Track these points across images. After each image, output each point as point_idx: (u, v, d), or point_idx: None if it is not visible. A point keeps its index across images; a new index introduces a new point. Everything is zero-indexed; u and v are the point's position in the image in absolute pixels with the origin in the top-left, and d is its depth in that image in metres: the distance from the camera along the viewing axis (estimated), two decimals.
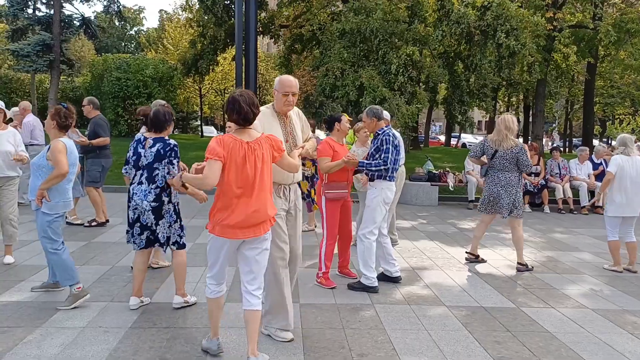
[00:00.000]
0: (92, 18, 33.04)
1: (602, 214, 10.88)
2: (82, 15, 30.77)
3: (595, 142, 32.81)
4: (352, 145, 6.62)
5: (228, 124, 4.46)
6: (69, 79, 33.85)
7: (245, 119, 3.47)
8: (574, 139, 39.91)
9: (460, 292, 5.46)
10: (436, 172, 12.01)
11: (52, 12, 28.05)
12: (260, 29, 18.95)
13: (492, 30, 13.32)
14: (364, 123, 5.70)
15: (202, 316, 4.48)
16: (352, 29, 13.23)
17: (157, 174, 4.52)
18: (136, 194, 4.55)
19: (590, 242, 8.29)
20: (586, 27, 16.97)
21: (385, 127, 5.43)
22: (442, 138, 41.60)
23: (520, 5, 14.01)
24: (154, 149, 4.52)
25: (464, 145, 38.16)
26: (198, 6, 20.21)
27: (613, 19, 16.64)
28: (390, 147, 5.23)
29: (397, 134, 7.34)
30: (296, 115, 4.30)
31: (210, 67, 21.77)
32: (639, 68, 18.86)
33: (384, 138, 5.28)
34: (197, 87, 34.10)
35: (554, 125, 48.82)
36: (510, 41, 12.95)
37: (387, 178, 5.34)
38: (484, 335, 4.31)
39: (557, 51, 16.78)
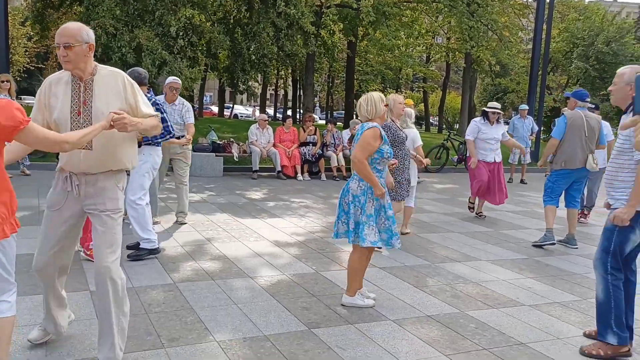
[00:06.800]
0: None
1: None
2: None
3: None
4: None
5: None
6: None
7: None
8: (334, 112, 43.18)
9: (262, 262, 5.42)
10: (220, 142, 11.80)
11: None
12: None
13: None
14: None
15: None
16: None
17: None
18: None
19: None
20: (350, 7, 18.30)
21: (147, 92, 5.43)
22: (214, 109, 41.46)
23: None
24: None
25: (236, 116, 38.61)
26: None
27: (372, 1, 18.21)
28: None
29: (184, 102, 6.88)
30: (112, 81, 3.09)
31: None
32: (392, 48, 21.13)
33: None
34: None
35: (316, 99, 52.29)
36: (290, 9, 13.28)
37: (156, 144, 5.49)
38: (292, 303, 4.33)
39: (325, 27, 17.81)
